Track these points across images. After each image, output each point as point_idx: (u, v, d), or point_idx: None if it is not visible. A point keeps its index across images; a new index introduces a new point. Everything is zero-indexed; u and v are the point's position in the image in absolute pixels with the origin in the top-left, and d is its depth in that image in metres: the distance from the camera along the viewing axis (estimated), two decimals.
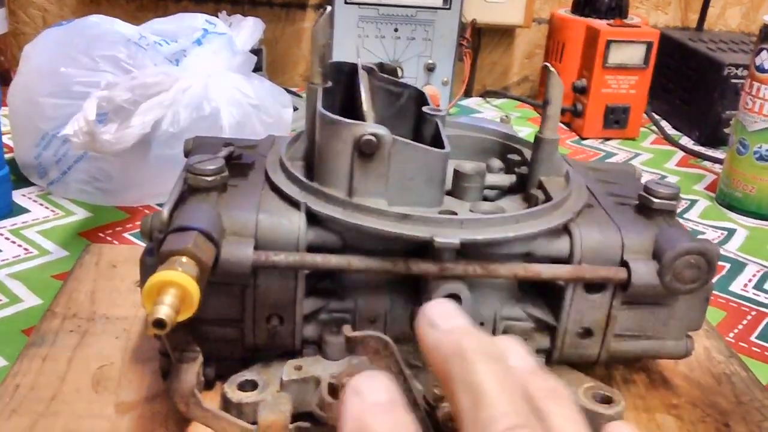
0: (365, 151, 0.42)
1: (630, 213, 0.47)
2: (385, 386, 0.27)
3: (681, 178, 0.94)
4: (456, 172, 0.50)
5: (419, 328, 0.30)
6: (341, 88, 0.53)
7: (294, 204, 0.44)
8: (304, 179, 0.45)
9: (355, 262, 0.42)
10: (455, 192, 0.50)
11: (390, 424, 0.26)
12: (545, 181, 0.48)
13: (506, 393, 0.28)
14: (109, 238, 0.68)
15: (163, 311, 0.34)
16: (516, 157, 0.53)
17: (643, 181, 0.50)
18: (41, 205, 0.73)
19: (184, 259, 0.37)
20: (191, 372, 0.40)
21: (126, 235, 0.69)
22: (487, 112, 1.15)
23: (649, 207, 0.47)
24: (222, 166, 0.44)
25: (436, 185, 0.45)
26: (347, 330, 0.40)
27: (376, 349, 0.40)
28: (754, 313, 0.65)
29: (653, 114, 1.11)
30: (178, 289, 0.35)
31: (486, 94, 1.22)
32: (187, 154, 0.51)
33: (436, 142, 0.47)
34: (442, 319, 0.30)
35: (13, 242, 0.66)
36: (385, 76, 0.53)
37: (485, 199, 0.51)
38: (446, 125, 0.49)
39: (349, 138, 0.43)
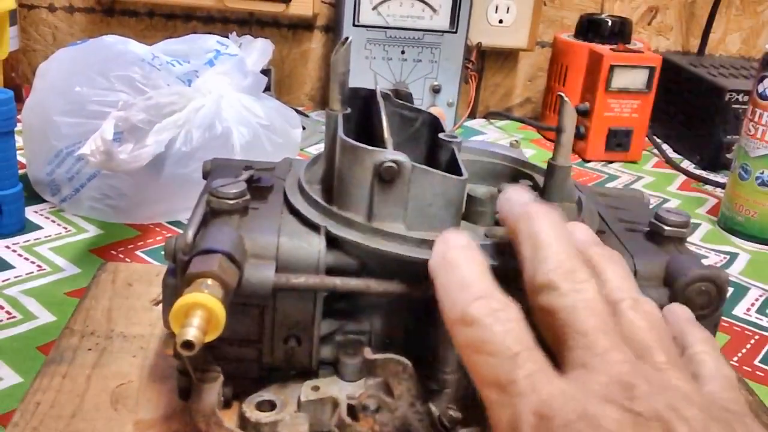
0: (385, 177, 0.43)
1: (641, 240, 0.48)
2: (464, 235, 0.37)
3: (683, 201, 0.96)
4: (469, 197, 0.50)
5: (500, 202, 0.40)
6: (356, 113, 0.54)
7: (314, 227, 0.44)
8: (323, 203, 0.46)
9: (374, 285, 0.43)
10: (469, 216, 0.50)
11: (464, 257, 0.35)
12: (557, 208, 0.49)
13: (563, 244, 0.34)
14: (121, 256, 0.69)
15: (192, 333, 0.35)
16: (528, 183, 0.54)
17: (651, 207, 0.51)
18: (53, 222, 0.74)
19: (209, 281, 0.38)
20: (212, 392, 0.41)
21: (138, 252, 0.69)
22: (491, 133, 1.17)
23: (660, 234, 0.47)
24: (244, 190, 0.45)
25: (453, 211, 0.46)
26: (367, 352, 0.41)
27: (395, 371, 0.41)
28: (757, 337, 0.66)
29: (655, 137, 1.13)
30: (204, 311, 0.36)
31: (490, 116, 1.23)
32: (205, 175, 0.52)
33: (452, 167, 0.48)
34: (519, 196, 0.39)
35: (26, 259, 0.67)
36: (400, 101, 0.54)
37: (497, 223, 0.51)
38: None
39: (370, 164, 0.44)
